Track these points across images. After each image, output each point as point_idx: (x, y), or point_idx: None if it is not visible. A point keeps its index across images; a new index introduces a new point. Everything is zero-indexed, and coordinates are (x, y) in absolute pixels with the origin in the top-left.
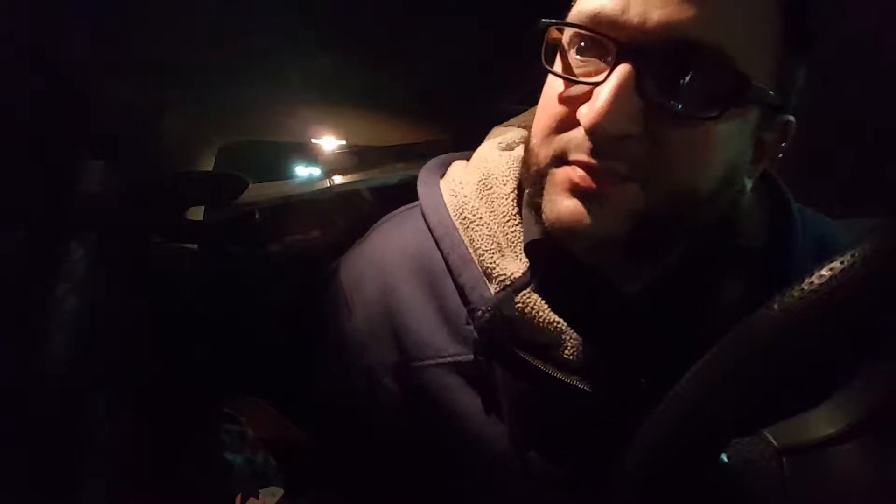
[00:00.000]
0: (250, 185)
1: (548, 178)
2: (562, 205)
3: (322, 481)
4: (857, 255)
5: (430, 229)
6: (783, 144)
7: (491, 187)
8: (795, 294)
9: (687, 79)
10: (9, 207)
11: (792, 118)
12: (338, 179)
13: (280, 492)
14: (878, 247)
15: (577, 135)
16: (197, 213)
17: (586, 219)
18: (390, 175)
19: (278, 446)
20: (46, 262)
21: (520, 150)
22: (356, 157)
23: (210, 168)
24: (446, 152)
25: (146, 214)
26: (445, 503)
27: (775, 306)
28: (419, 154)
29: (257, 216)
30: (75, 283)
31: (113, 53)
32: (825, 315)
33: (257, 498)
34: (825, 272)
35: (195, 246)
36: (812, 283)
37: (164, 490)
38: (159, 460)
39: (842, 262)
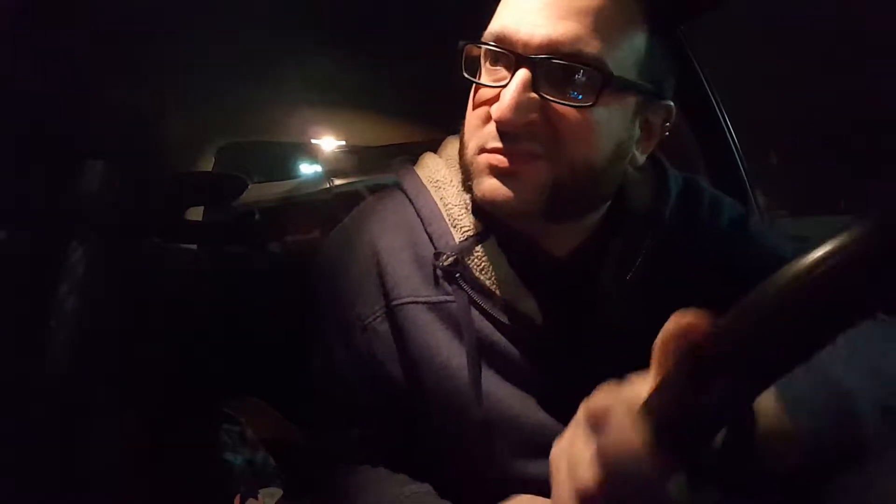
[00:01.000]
0: (250, 186)
1: (473, 165)
2: (485, 184)
3: (320, 482)
4: (850, 235)
5: (405, 193)
6: (667, 124)
7: (455, 165)
8: (787, 275)
9: (568, 77)
10: (9, 207)
11: (671, 103)
12: (337, 180)
13: (279, 492)
14: (870, 229)
15: (492, 128)
16: (197, 214)
17: (505, 192)
18: (389, 175)
19: (278, 446)
20: (46, 262)
21: None
22: (355, 157)
23: (210, 168)
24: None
25: (146, 215)
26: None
27: (766, 287)
28: (418, 154)
29: (257, 216)
30: (75, 283)
31: (113, 54)
32: (818, 293)
33: (257, 498)
34: (819, 252)
35: (194, 246)
36: (805, 263)
37: (164, 490)
38: (160, 460)
39: (837, 242)
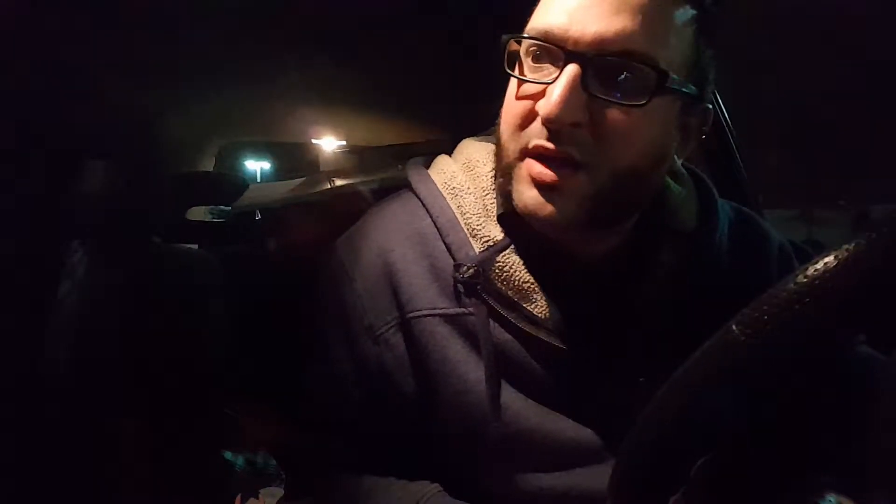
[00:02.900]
0: (250, 186)
1: (515, 171)
2: (526, 195)
3: (320, 482)
4: (851, 248)
5: (420, 199)
6: (704, 128)
7: (473, 168)
8: (792, 285)
9: (619, 76)
10: (9, 207)
11: (710, 106)
12: (337, 180)
13: (280, 492)
14: (872, 241)
15: (537, 126)
16: (197, 214)
17: (548, 207)
18: (390, 175)
19: (278, 446)
20: (47, 262)
21: (491, 146)
22: (355, 157)
23: (210, 168)
24: (446, 152)
25: (146, 214)
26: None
27: (772, 296)
28: (419, 154)
29: (257, 216)
30: (75, 283)
31: (114, 54)
32: (819, 302)
33: (257, 498)
34: (819, 265)
35: (195, 246)
36: (807, 273)
37: (164, 490)
38: (160, 460)
39: (836, 256)
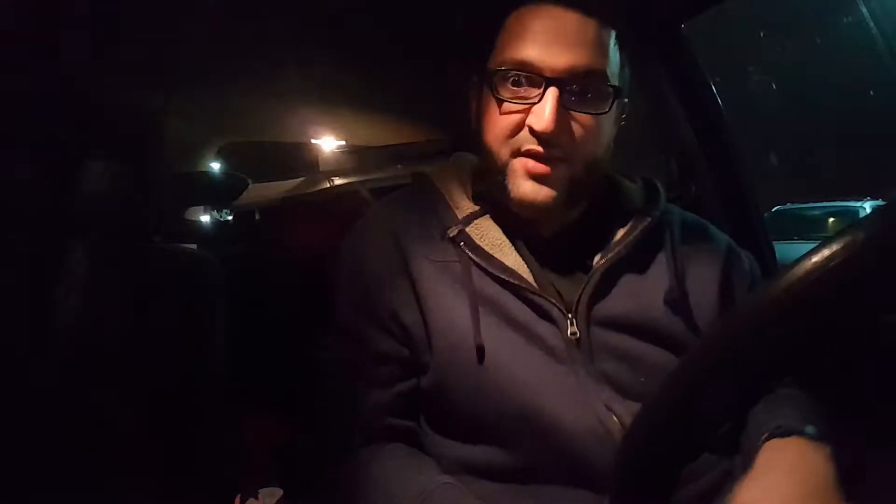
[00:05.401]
0: (250, 185)
1: (509, 168)
2: (523, 187)
3: (320, 482)
4: (859, 230)
5: (417, 186)
6: (623, 116)
7: (459, 164)
8: (799, 268)
9: (587, 93)
10: (9, 207)
11: (626, 100)
12: (338, 180)
13: (280, 492)
14: (878, 222)
15: (525, 133)
16: (197, 214)
17: (542, 192)
18: (390, 175)
19: (278, 447)
20: (47, 262)
21: (471, 157)
22: (356, 157)
23: (210, 168)
24: (445, 152)
25: (146, 214)
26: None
27: (777, 280)
28: (419, 154)
29: (257, 216)
30: (75, 283)
31: (115, 54)
32: (829, 284)
33: (257, 498)
34: (827, 249)
35: (195, 246)
36: (814, 257)
37: (164, 490)
38: (160, 460)
39: (843, 239)
